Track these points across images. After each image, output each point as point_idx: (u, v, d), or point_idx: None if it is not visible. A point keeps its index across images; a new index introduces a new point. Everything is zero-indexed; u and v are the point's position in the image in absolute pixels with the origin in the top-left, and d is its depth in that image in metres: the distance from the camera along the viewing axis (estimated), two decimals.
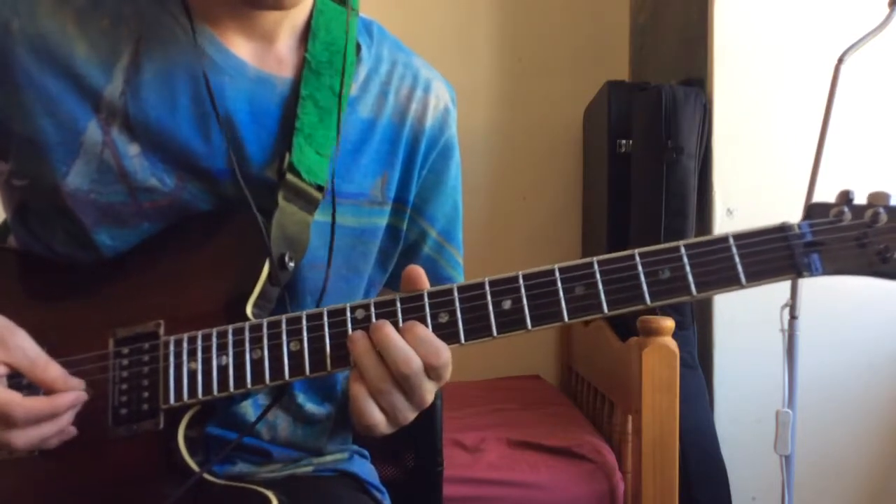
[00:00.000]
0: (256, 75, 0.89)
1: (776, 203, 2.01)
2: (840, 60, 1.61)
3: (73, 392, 0.76)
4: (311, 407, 0.96)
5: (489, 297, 0.74)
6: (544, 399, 2.45)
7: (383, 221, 0.96)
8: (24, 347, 0.76)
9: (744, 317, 2.04)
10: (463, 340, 0.74)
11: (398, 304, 0.75)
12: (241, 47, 0.90)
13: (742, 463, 2.03)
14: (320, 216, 0.89)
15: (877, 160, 2.06)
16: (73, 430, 0.78)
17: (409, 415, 0.76)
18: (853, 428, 2.09)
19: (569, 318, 0.73)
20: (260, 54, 0.90)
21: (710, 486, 1.96)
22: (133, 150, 0.85)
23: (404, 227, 0.99)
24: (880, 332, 2.08)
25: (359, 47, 0.95)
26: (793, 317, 1.67)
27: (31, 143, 0.85)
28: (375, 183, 0.94)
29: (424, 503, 1.19)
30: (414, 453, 1.19)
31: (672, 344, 1.69)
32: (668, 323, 1.69)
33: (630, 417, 1.80)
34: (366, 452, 1.08)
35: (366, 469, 1.05)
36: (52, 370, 0.77)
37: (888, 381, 2.09)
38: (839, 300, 1.97)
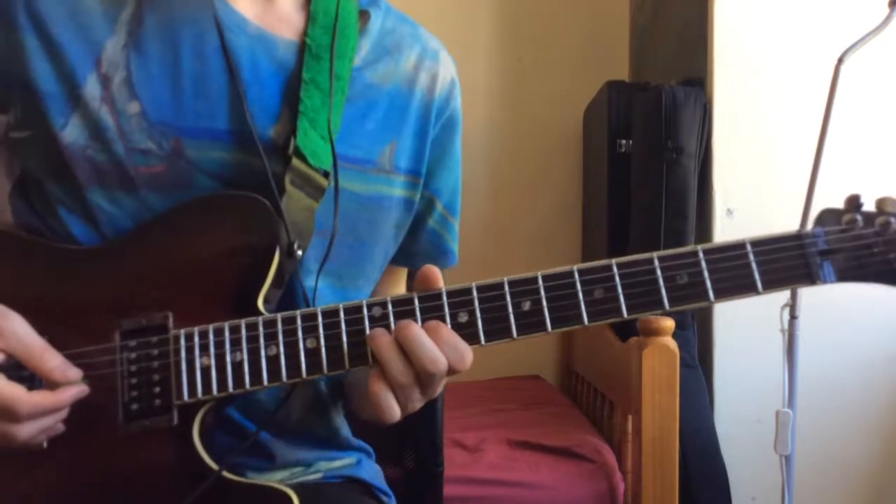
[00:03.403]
0: (258, 32, 0.88)
1: (776, 203, 2.01)
2: (840, 60, 1.61)
3: (76, 387, 0.75)
4: (322, 386, 0.95)
5: (508, 298, 0.74)
6: (544, 399, 2.45)
7: (392, 192, 0.94)
8: (19, 333, 0.75)
9: (744, 317, 2.04)
10: (483, 341, 0.74)
11: (416, 303, 0.75)
12: (242, 4, 0.89)
13: (742, 463, 2.03)
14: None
15: (877, 160, 2.06)
16: (60, 427, 0.76)
17: (419, 405, 0.77)
18: (853, 428, 2.09)
19: (589, 322, 0.73)
20: (261, 12, 0.90)
21: (710, 486, 1.96)
22: (133, 108, 0.84)
23: (417, 199, 0.98)
24: (880, 332, 2.08)
25: (368, 15, 0.95)
26: (793, 317, 1.67)
27: (30, 89, 0.83)
28: (383, 150, 0.93)
29: (424, 503, 1.19)
30: (414, 453, 1.19)
31: (672, 344, 1.69)
32: (668, 323, 1.69)
33: (630, 417, 1.80)
34: (370, 450, 1.08)
35: (372, 472, 1.04)
36: (49, 358, 0.75)
37: (888, 381, 2.09)
38: (839, 300, 1.97)
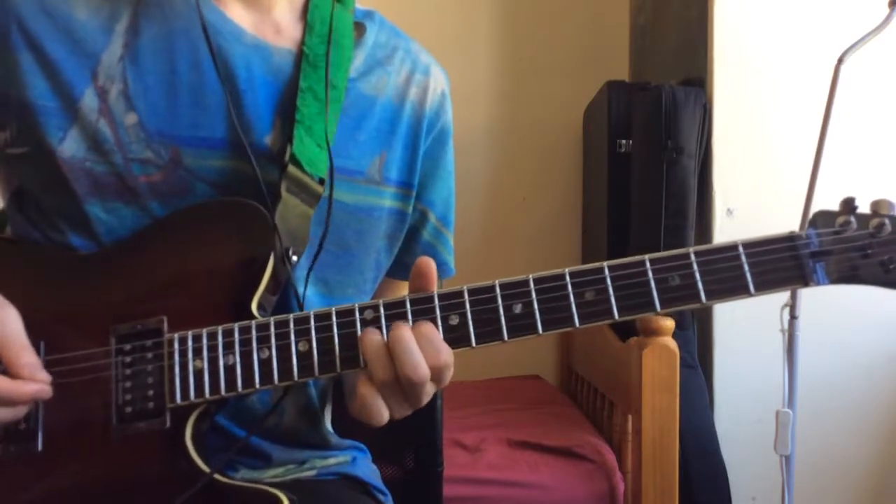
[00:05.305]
0: (253, 42, 0.89)
1: (776, 203, 2.02)
2: (840, 60, 1.61)
3: (36, 384, 0.74)
4: (313, 392, 0.96)
5: (500, 301, 0.74)
6: (544, 399, 2.45)
7: (381, 202, 0.95)
8: (7, 325, 0.75)
9: (744, 317, 2.04)
10: (474, 343, 0.74)
11: (408, 306, 0.75)
12: (237, 13, 0.90)
13: (742, 463, 2.04)
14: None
15: (876, 160, 2.06)
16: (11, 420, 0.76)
17: (407, 412, 0.77)
18: (853, 428, 2.09)
19: (580, 324, 0.73)
20: (257, 22, 0.90)
21: (709, 486, 1.96)
22: (130, 119, 0.84)
23: (410, 211, 0.99)
24: (880, 332, 2.08)
25: (364, 27, 0.96)
26: (793, 317, 1.67)
27: (26, 106, 0.84)
28: (373, 161, 0.94)
29: (424, 503, 1.19)
30: (414, 453, 1.19)
31: (672, 344, 1.69)
32: (668, 323, 1.69)
33: (630, 417, 1.80)
34: (364, 448, 1.08)
35: (368, 471, 1.04)
36: (24, 356, 0.75)
37: (888, 382, 2.09)
38: (839, 300, 1.97)
